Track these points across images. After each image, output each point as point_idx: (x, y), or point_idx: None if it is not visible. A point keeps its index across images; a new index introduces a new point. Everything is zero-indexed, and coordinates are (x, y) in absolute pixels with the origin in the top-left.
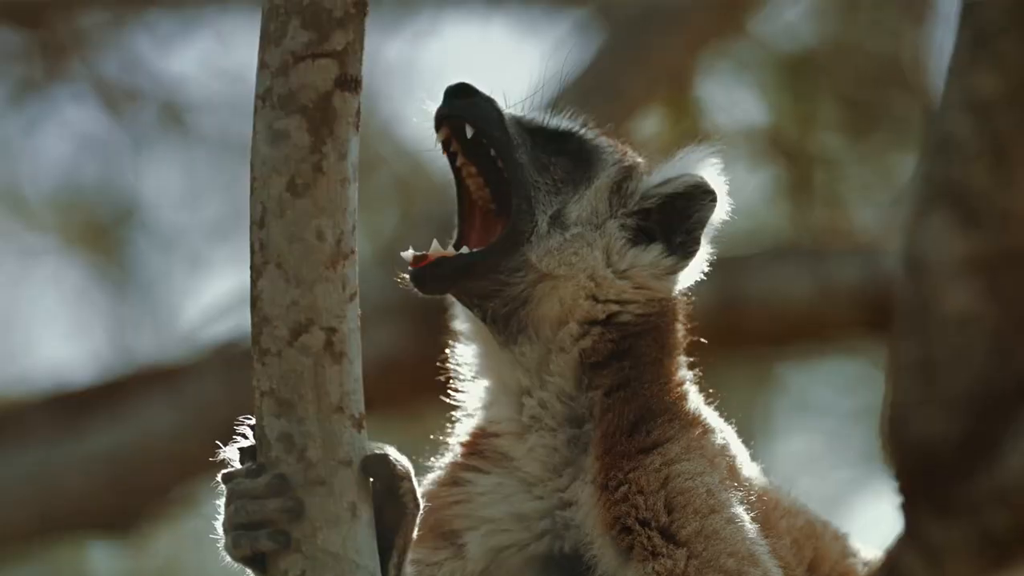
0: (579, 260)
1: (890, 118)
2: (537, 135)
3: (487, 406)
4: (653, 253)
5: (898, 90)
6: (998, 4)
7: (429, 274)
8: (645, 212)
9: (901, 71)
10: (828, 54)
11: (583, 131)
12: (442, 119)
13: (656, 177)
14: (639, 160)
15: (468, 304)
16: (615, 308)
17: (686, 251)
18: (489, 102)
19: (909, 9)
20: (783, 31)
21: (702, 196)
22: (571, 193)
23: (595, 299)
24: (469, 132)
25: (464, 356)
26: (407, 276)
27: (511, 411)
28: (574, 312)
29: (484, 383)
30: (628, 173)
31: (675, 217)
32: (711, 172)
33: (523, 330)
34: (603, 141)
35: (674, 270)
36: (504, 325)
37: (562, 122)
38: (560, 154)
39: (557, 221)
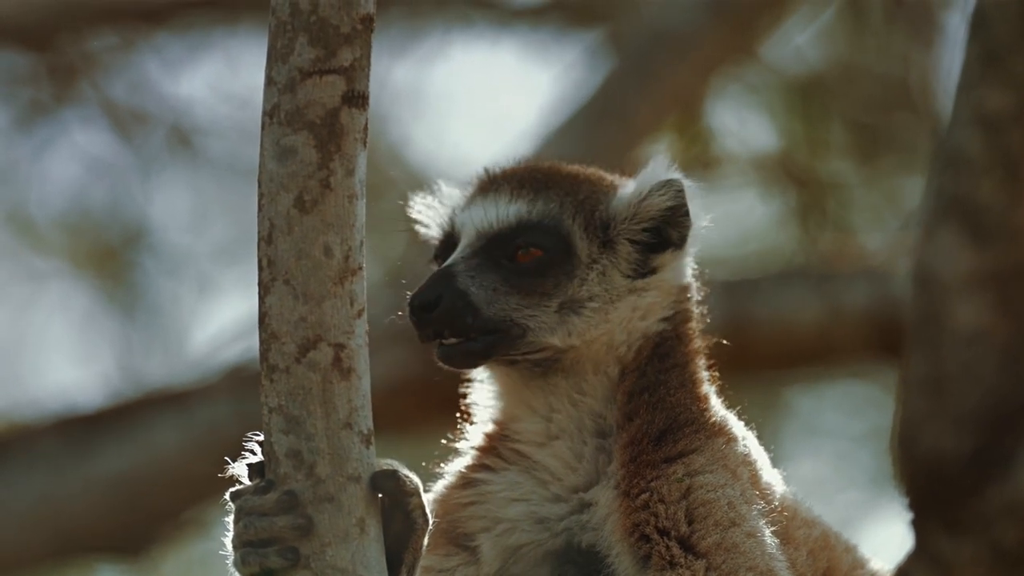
0: (613, 318)
1: (899, 141)
2: (510, 256)
3: (509, 420)
4: (668, 264)
5: (907, 113)
6: (1007, 21)
7: (454, 353)
8: (636, 236)
9: (910, 95)
10: (837, 78)
11: (542, 222)
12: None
13: (631, 204)
14: (591, 188)
15: (499, 362)
16: (655, 323)
17: (682, 239)
18: (450, 299)
19: (918, 33)
20: (793, 55)
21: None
22: (566, 280)
23: (644, 319)
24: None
25: (480, 375)
26: (438, 352)
27: (537, 426)
28: (621, 347)
29: (504, 401)
30: (592, 209)
31: (662, 221)
32: (669, 170)
33: (559, 371)
34: (555, 215)
35: (681, 259)
36: (537, 367)
37: (521, 234)
38: (539, 261)
39: (567, 307)
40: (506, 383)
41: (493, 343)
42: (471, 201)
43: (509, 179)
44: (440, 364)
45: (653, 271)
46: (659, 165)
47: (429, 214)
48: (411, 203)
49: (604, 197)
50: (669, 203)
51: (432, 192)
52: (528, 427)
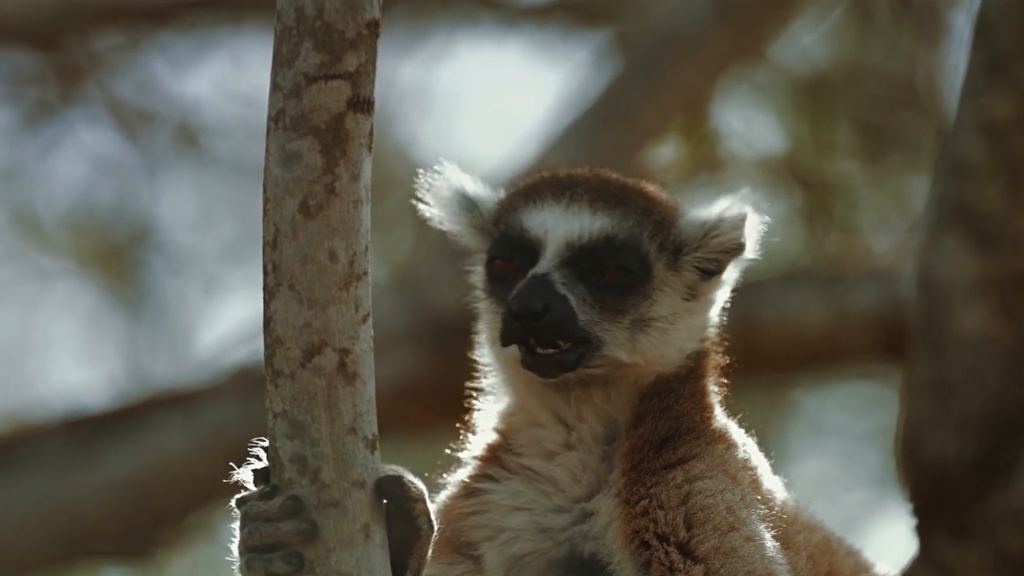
0: (672, 339)
1: (905, 141)
2: (598, 270)
3: (523, 426)
4: (715, 288)
5: (913, 113)
6: (1011, 28)
7: (549, 363)
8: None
9: (916, 94)
10: (844, 78)
11: (628, 242)
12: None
13: (708, 234)
14: (664, 210)
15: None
16: (697, 343)
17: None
18: (557, 308)
19: (924, 33)
20: (799, 56)
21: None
22: (641, 299)
23: (691, 340)
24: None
25: (492, 382)
26: (527, 360)
27: (557, 435)
28: (669, 365)
29: (525, 406)
30: (668, 232)
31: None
32: (747, 205)
33: (601, 382)
34: (637, 235)
35: (726, 285)
36: (583, 382)
37: (611, 251)
38: (624, 279)
39: (639, 324)
40: (536, 389)
41: (582, 354)
42: (544, 205)
43: (585, 188)
44: (528, 372)
45: (701, 294)
46: (743, 199)
47: (464, 207)
48: (432, 191)
49: (675, 220)
50: (742, 240)
51: (461, 186)
52: (546, 434)
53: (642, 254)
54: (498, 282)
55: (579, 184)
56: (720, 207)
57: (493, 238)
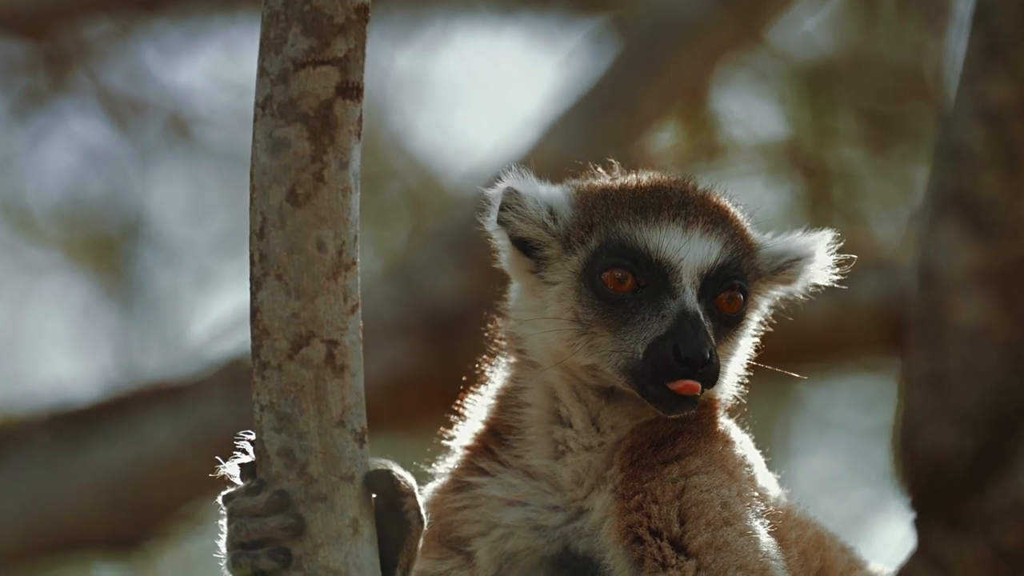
0: (735, 370)
1: (910, 129)
2: (710, 300)
3: (528, 424)
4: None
5: (918, 101)
6: (1009, 12)
7: (685, 402)
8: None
9: (921, 82)
10: (847, 65)
11: (741, 268)
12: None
13: (788, 271)
14: (748, 233)
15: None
16: None
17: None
18: (715, 353)
19: (930, 19)
20: (801, 41)
21: None
22: (736, 328)
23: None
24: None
25: (510, 375)
26: (661, 396)
27: (584, 437)
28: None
29: (539, 404)
30: (752, 258)
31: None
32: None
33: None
34: (740, 261)
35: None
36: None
37: (728, 280)
38: (742, 311)
39: (727, 357)
40: (582, 395)
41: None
42: (662, 225)
43: (696, 207)
44: (664, 411)
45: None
46: (823, 241)
47: (538, 211)
48: (501, 197)
49: (756, 246)
50: (804, 277)
51: (534, 190)
52: (572, 435)
53: (745, 283)
54: (602, 296)
55: (690, 202)
56: (798, 242)
57: (592, 248)
